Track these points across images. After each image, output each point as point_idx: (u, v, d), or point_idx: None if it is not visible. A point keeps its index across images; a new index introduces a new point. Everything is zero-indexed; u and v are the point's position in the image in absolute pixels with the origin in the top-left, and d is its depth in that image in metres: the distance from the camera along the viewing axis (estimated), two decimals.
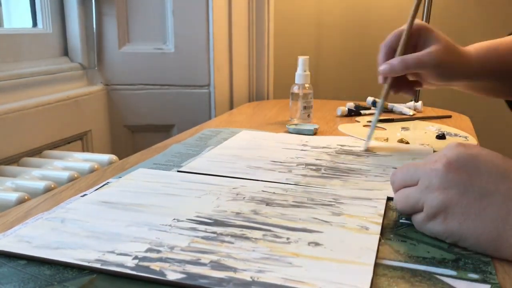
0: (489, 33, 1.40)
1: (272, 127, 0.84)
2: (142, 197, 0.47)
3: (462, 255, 0.36)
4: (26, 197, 0.58)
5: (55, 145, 0.88)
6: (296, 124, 0.82)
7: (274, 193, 0.48)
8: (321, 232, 0.39)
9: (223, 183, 0.51)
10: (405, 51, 0.60)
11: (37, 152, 0.83)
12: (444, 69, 0.58)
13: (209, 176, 0.54)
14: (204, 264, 0.33)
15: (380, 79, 0.62)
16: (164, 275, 0.32)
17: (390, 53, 0.61)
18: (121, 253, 0.35)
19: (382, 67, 0.60)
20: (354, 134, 0.78)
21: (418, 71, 0.60)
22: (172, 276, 0.32)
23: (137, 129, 1.09)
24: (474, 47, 0.62)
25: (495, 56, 0.61)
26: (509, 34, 0.62)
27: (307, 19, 1.46)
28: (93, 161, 0.76)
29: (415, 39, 0.60)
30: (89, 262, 0.33)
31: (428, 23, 1.27)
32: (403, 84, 0.63)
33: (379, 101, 0.63)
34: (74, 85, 0.98)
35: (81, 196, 0.47)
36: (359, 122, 0.90)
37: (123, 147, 1.07)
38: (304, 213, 0.43)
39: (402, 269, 0.33)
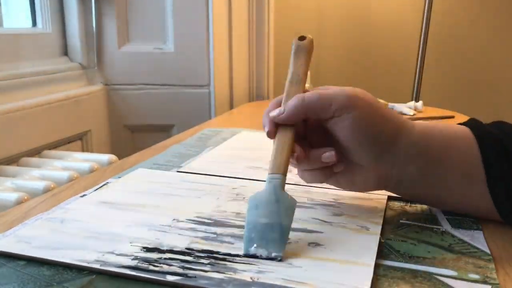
0: (490, 33, 1.40)
1: None
2: (142, 197, 0.47)
3: (462, 254, 0.36)
4: (25, 197, 0.58)
5: (55, 145, 0.88)
6: None
7: None
8: (322, 232, 0.39)
9: (223, 183, 0.51)
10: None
11: (36, 152, 0.83)
12: (360, 118, 0.39)
13: (209, 176, 0.54)
14: (204, 265, 0.33)
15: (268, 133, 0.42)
16: (164, 275, 0.32)
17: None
18: (120, 253, 0.35)
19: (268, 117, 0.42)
20: None
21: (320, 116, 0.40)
22: (172, 276, 0.31)
23: (137, 129, 1.09)
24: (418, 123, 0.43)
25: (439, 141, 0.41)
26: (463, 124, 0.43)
27: (307, 19, 1.46)
28: (93, 161, 0.76)
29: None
30: (88, 263, 0.33)
31: (429, 23, 1.27)
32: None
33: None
34: (74, 85, 0.98)
35: (81, 196, 0.47)
36: None
37: (123, 147, 1.07)
38: (304, 213, 0.43)
39: (402, 269, 0.33)
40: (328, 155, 0.39)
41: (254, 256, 0.34)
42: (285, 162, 0.38)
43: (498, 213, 0.40)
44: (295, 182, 0.52)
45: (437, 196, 0.42)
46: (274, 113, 0.41)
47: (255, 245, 0.34)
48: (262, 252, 0.34)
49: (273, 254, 0.34)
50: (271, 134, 0.41)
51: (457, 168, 0.40)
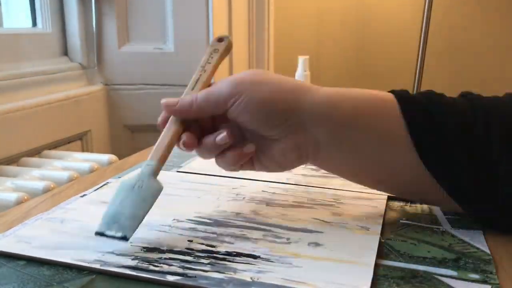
0: (490, 33, 1.40)
1: None
2: None
3: (462, 254, 0.36)
4: (25, 197, 0.58)
5: (55, 145, 0.88)
6: None
7: (274, 193, 0.48)
8: (322, 232, 0.39)
9: (223, 183, 0.51)
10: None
11: (36, 152, 0.83)
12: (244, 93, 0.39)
13: (209, 176, 0.54)
14: (204, 265, 0.33)
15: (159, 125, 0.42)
16: (164, 275, 0.32)
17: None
18: (120, 253, 0.35)
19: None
20: None
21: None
22: (172, 276, 0.31)
23: (137, 129, 1.09)
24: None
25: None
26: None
27: (307, 19, 1.46)
28: (93, 161, 0.76)
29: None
30: (88, 263, 0.33)
31: (429, 23, 1.27)
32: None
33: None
34: (74, 85, 0.98)
35: (81, 196, 0.47)
36: None
37: (123, 147, 1.07)
38: (304, 213, 0.43)
39: (402, 269, 0.33)
40: (221, 137, 0.39)
41: (103, 235, 0.35)
42: (162, 150, 0.39)
43: (441, 187, 0.38)
44: (296, 182, 0.52)
45: (360, 166, 0.40)
46: (168, 101, 0.41)
47: (107, 226, 0.35)
48: (111, 233, 0.35)
49: (119, 234, 0.34)
50: (160, 125, 0.41)
51: (374, 131, 0.39)
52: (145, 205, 0.36)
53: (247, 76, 0.40)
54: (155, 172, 0.38)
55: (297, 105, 0.39)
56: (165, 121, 0.41)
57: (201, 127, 0.41)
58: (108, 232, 0.35)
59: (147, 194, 0.37)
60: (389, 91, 0.41)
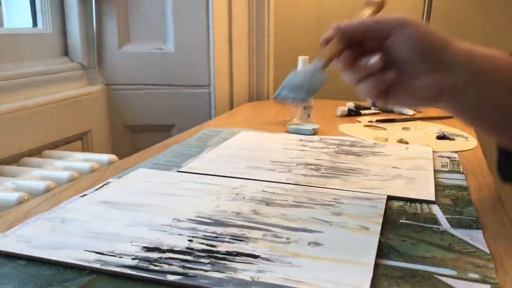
0: (490, 33, 1.40)
1: (272, 127, 0.84)
2: (142, 197, 0.47)
3: (462, 254, 0.36)
4: (26, 197, 0.58)
5: (55, 145, 0.88)
6: (296, 124, 0.82)
7: (274, 193, 0.48)
8: (321, 232, 0.39)
9: (223, 183, 0.51)
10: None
11: (37, 152, 0.83)
12: (415, 34, 0.44)
13: (209, 176, 0.54)
14: (204, 264, 0.33)
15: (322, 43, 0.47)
16: (164, 275, 0.32)
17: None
18: (121, 253, 0.35)
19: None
20: (355, 135, 0.78)
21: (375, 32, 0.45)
22: (172, 276, 0.32)
23: (137, 129, 1.09)
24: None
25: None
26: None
27: (307, 19, 1.46)
28: (93, 161, 0.76)
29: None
30: (89, 262, 0.33)
31: (429, 19, 1.27)
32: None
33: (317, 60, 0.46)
34: (74, 85, 0.98)
35: (81, 196, 0.47)
36: (360, 122, 0.90)
37: (123, 147, 1.07)
38: (304, 213, 0.43)
39: (402, 269, 0.33)
40: (374, 60, 0.44)
41: (283, 99, 0.42)
42: (329, 54, 0.44)
43: None
44: (295, 182, 0.52)
45: (487, 113, 0.45)
46: (337, 23, 0.46)
47: (286, 91, 0.42)
48: (290, 95, 0.42)
49: (300, 97, 0.42)
50: (323, 43, 0.47)
51: (503, 83, 0.43)
52: (317, 84, 0.43)
53: (410, 16, 0.45)
54: (323, 67, 0.44)
55: (448, 48, 0.44)
56: (327, 40, 0.46)
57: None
58: (289, 95, 0.42)
59: (317, 79, 0.43)
60: None
